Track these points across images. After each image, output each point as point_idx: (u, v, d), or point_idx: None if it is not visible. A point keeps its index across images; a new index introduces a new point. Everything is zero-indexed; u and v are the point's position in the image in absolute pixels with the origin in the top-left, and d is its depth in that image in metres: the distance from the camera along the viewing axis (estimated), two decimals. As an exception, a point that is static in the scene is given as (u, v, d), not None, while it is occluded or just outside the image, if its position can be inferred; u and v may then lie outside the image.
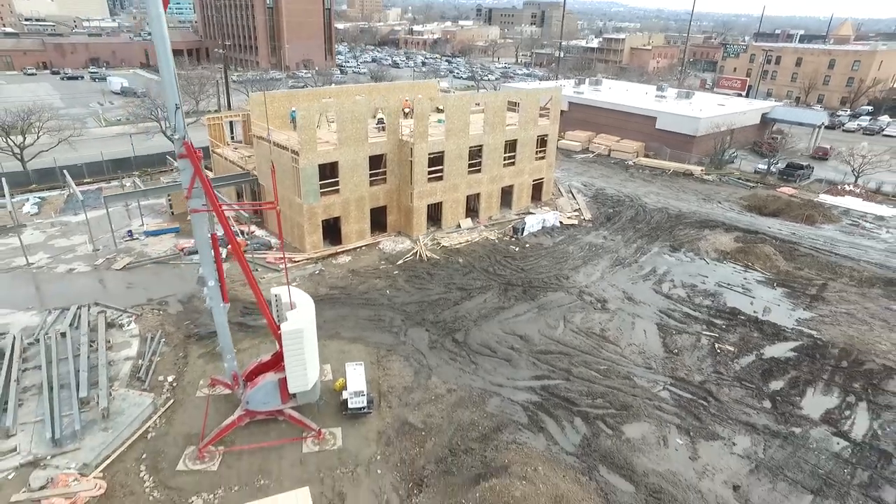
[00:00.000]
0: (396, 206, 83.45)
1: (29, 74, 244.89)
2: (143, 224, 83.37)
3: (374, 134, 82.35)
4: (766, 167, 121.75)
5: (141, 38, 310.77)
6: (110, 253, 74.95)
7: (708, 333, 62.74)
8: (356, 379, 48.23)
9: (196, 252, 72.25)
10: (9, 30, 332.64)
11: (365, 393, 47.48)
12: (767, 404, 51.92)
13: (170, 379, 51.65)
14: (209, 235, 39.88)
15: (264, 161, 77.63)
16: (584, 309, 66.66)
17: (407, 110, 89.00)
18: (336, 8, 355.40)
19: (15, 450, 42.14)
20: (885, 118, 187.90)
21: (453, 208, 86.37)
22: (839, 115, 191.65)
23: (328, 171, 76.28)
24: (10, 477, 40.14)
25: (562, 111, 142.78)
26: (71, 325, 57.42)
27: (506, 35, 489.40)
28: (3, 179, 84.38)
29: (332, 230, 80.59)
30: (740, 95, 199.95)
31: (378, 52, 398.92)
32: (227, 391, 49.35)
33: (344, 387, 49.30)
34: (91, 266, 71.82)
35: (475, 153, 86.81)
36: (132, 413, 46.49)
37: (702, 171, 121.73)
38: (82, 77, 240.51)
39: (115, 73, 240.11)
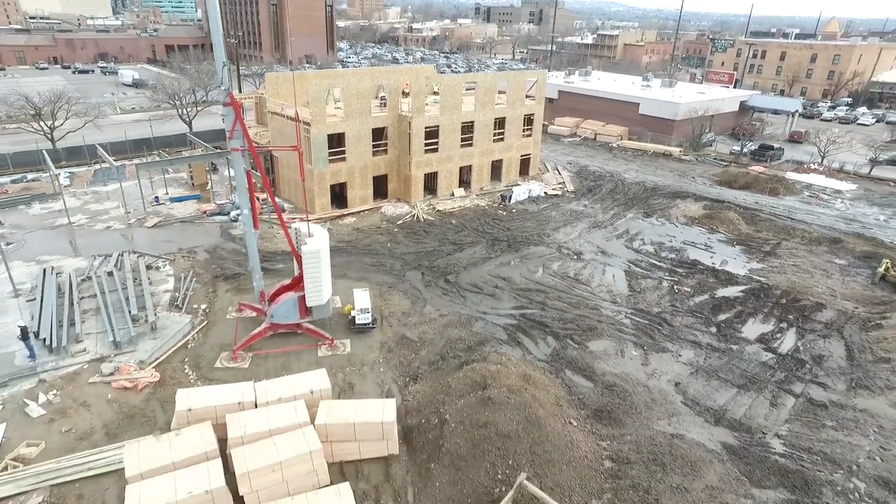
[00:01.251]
0: (396, 175, 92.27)
1: (41, 69, 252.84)
2: (167, 193, 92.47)
3: (376, 110, 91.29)
4: (739, 148, 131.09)
5: (148, 34, 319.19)
6: (140, 215, 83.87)
7: (669, 278, 71.84)
8: (362, 299, 57.57)
9: (217, 213, 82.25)
10: (17, 27, 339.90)
11: (370, 310, 56.87)
12: (713, 330, 60.99)
13: (203, 306, 60.84)
14: (244, 171, 49.01)
15: (278, 134, 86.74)
16: (562, 259, 75.81)
17: (406, 90, 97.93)
18: (337, 7, 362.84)
19: (85, 350, 51.85)
20: (862, 109, 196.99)
21: (447, 178, 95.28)
22: (818, 107, 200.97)
23: (336, 142, 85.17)
24: (84, 367, 49.82)
25: (552, 99, 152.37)
26: (115, 266, 66.79)
27: (503, 33, 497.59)
28: (45, 153, 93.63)
29: (338, 198, 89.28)
30: (727, 88, 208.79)
31: (378, 48, 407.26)
32: (253, 314, 58.63)
33: (351, 311, 58.43)
34: (125, 224, 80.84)
35: (467, 128, 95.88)
36: (174, 328, 55.92)
37: (680, 152, 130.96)
38: (93, 71, 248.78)
39: (124, 68, 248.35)
